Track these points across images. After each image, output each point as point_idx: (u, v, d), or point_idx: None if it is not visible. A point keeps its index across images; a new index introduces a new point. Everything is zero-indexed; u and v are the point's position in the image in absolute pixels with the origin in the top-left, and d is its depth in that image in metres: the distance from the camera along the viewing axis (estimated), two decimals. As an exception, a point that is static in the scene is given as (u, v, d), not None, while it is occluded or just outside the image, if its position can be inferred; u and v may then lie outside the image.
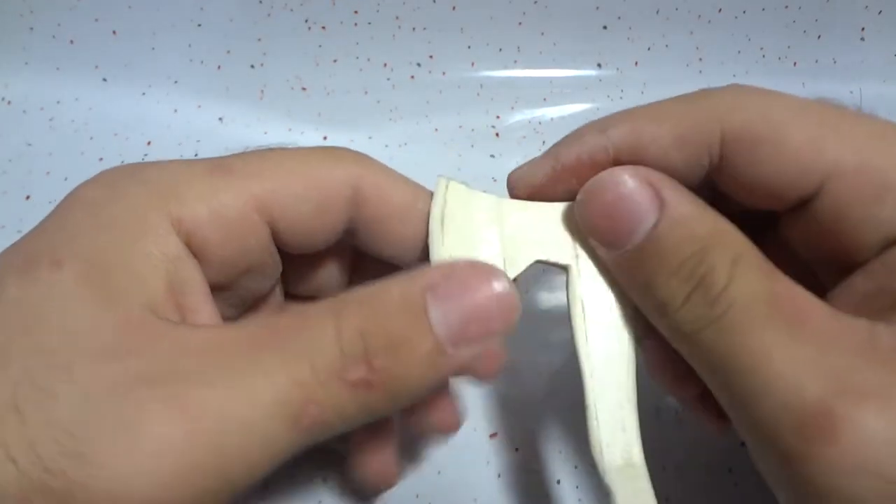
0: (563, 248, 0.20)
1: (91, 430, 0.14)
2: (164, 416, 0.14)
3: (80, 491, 0.13)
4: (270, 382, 0.15)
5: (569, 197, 0.20)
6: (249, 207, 0.18)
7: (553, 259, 0.20)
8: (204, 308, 0.18)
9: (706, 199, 0.19)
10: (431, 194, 0.20)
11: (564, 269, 0.20)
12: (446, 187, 0.19)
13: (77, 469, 0.13)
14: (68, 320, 0.15)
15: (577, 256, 0.20)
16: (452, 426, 0.20)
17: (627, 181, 0.18)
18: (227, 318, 0.20)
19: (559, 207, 0.20)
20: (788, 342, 0.16)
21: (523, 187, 0.21)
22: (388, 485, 0.21)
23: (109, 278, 0.16)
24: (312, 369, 0.15)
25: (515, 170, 0.21)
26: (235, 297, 0.20)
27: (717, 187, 0.20)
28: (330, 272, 0.22)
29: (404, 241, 0.20)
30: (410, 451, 0.26)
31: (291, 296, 0.23)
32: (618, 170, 0.18)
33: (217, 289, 0.19)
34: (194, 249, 0.18)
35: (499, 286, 0.16)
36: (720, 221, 0.18)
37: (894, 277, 0.17)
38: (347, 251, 0.22)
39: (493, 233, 0.19)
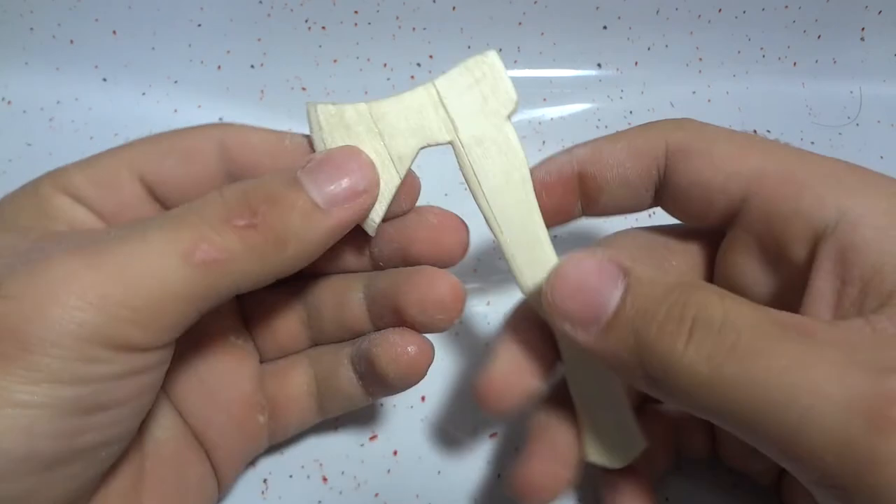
0: (440, 127, 0.21)
1: (14, 271, 0.16)
2: (68, 256, 0.16)
3: (15, 317, 0.15)
4: (162, 229, 0.17)
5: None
6: (119, 166, 0.20)
7: (435, 140, 0.21)
8: None
9: None
10: (299, 134, 0.21)
11: (450, 144, 0.21)
12: (316, 111, 0.21)
13: (8, 302, 0.16)
14: None
15: (455, 130, 0.21)
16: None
17: (587, 259, 0.19)
18: None
19: (421, 92, 0.21)
20: (814, 350, 0.15)
21: None
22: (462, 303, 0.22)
23: (15, 226, 0.19)
24: (200, 216, 0.18)
25: None
26: None
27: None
28: None
29: None
30: (411, 450, 0.26)
31: None
32: (574, 255, 0.19)
33: None
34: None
35: (356, 154, 0.20)
36: (683, 276, 0.19)
37: (845, 268, 0.18)
38: None
39: (375, 137, 0.21)
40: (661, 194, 0.22)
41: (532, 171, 0.21)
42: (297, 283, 0.23)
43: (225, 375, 0.22)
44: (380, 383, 0.22)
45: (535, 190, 0.21)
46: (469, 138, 0.21)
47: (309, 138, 0.21)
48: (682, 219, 0.22)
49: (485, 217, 0.21)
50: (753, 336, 0.16)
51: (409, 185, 0.21)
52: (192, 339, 0.21)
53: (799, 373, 0.15)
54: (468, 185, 0.21)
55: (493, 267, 0.31)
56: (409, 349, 0.21)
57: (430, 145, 0.21)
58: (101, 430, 0.17)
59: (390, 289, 0.21)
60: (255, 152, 0.21)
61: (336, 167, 0.19)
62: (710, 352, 0.16)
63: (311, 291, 0.23)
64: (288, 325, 0.23)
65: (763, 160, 0.20)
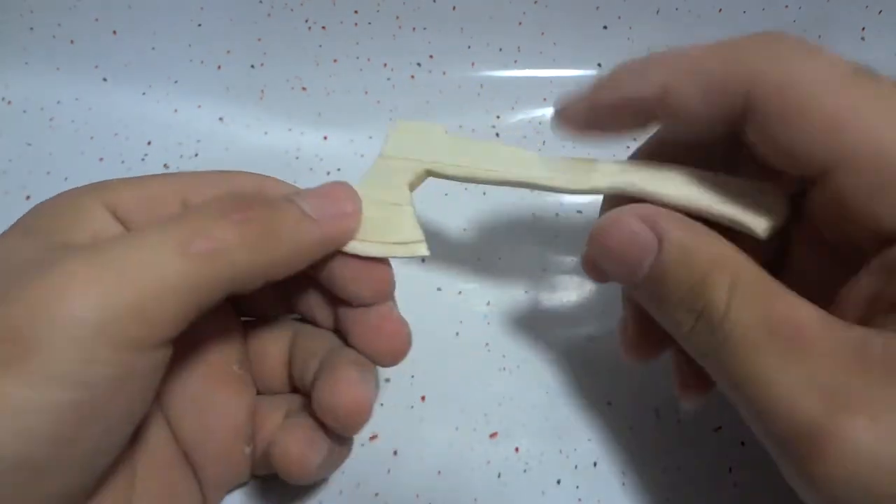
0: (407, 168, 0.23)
1: (21, 277, 0.16)
2: (76, 261, 0.16)
3: (17, 319, 0.15)
4: (160, 226, 0.18)
5: (609, 132, 0.22)
6: (167, 191, 0.21)
7: (413, 178, 0.23)
8: None
9: (732, 157, 0.21)
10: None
11: (431, 176, 0.23)
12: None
13: (11, 305, 0.16)
14: (8, 255, 0.18)
15: (419, 163, 0.23)
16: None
17: (627, 222, 0.20)
18: None
19: (380, 162, 0.23)
20: (784, 365, 0.17)
21: (569, 129, 0.23)
22: (363, 417, 0.21)
23: (42, 230, 0.19)
24: (197, 212, 0.18)
25: (560, 111, 0.23)
26: None
27: (743, 144, 0.20)
28: (267, 293, 0.23)
29: None
30: (411, 450, 0.26)
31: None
32: (615, 212, 0.20)
33: None
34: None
35: (344, 184, 0.21)
36: (717, 245, 0.19)
37: (889, 281, 0.17)
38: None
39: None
40: (739, 130, 0.19)
41: (601, 92, 0.22)
42: (284, 322, 0.24)
43: (219, 402, 0.22)
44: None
45: (598, 115, 0.22)
46: (432, 157, 0.22)
47: None
48: (762, 158, 0.20)
49: (510, 185, 0.22)
50: (740, 338, 0.17)
51: (379, 278, 0.22)
52: (192, 360, 0.22)
53: (762, 383, 0.17)
54: (476, 182, 0.22)
55: (493, 267, 0.31)
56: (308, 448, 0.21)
57: (415, 184, 0.22)
58: (97, 438, 0.17)
59: (316, 378, 0.21)
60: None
61: (325, 193, 0.21)
62: (703, 342, 0.18)
63: (294, 339, 0.24)
64: (273, 364, 0.24)
65: (860, 133, 0.17)
